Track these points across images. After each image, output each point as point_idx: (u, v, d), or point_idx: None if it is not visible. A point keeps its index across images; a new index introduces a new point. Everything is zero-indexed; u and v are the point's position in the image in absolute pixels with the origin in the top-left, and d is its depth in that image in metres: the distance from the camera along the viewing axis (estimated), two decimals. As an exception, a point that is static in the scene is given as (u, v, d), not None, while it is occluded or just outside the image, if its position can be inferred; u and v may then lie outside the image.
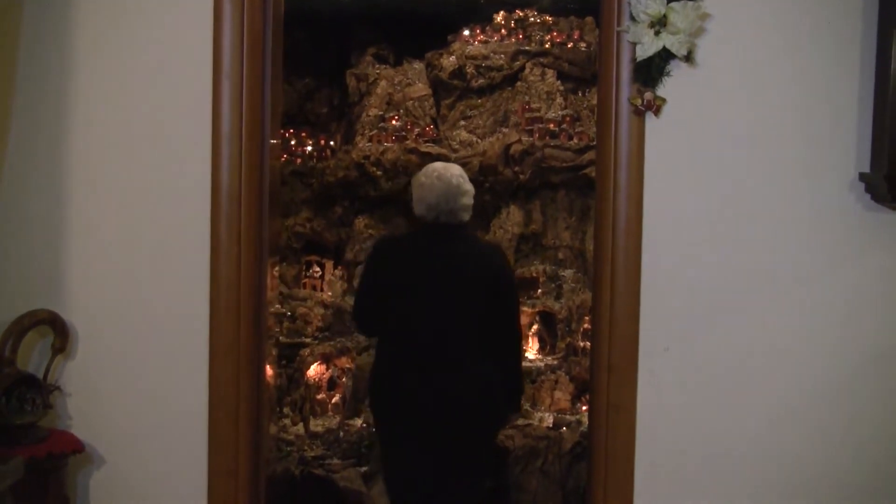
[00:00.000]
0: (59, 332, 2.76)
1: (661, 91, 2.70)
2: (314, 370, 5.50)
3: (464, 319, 3.23)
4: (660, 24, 2.59)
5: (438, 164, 3.38)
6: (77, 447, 2.73)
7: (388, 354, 3.30)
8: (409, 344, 3.23)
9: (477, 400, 3.21)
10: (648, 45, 2.62)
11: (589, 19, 6.12)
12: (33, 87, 2.77)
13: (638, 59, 2.66)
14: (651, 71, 2.67)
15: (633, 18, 2.63)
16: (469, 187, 3.29)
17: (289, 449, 5.03)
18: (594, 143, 3.03)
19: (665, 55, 2.64)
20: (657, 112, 2.72)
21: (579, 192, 6.01)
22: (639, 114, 2.73)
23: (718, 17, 2.71)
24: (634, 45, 2.65)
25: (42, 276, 2.81)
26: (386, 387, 3.25)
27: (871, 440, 2.80)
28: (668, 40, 2.60)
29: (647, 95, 2.70)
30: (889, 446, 2.80)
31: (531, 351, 5.84)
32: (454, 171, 3.30)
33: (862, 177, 2.74)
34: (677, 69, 2.69)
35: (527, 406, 5.44)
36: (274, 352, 3.39)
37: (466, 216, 3.29)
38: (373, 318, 3.34)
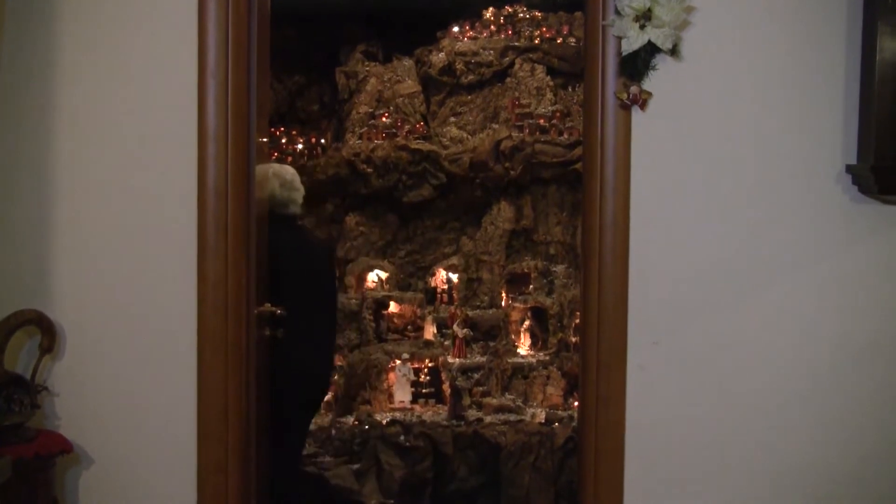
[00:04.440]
0: (46, 332, 2.75)
1: (647, 85, 2.69)
2: (306, 368, 5.48)
3: (313, 302, 3.82)
4: (645, 17, 2.59)
5: (274, 164, 3.96)
6: (65, 447, 2.72)
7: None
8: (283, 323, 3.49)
9: (321, 374, 3.98)
10: (634, 39, 2.61)
11: (578, 14, 6.12)
12: (17, 88, 2.76)
13: (623, 54, 2.65)
14: (637, 65, 2.67)
15: (618, 12, 2.62)
16: (300, 186, 3.89)
17: (281, 447, 5.03)
18: (583, 137, 3.04)
19: (650, 49, 2.63)
20: (643, 106, 2.72)
21: (570, 188, 6.01)
22: (625, 108, 2.72)
23: (703, 11, 2.71)
24: (620, 39, 2.65)
25: (29, 275, 2.80)
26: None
27: (858, 430, 2.80)
28: (653, 34, 2.60)
29: (633, 89, 2.70)
30: (876, 436, 2.81)
31: (522, 347, 5.83)
32: (288, 170, 3.90)
33: (849, 169, 2.74)
34: (663, 63, 2.69)
35: (519, 402, 5.44)
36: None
37: (296, 209, 3.88)
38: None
